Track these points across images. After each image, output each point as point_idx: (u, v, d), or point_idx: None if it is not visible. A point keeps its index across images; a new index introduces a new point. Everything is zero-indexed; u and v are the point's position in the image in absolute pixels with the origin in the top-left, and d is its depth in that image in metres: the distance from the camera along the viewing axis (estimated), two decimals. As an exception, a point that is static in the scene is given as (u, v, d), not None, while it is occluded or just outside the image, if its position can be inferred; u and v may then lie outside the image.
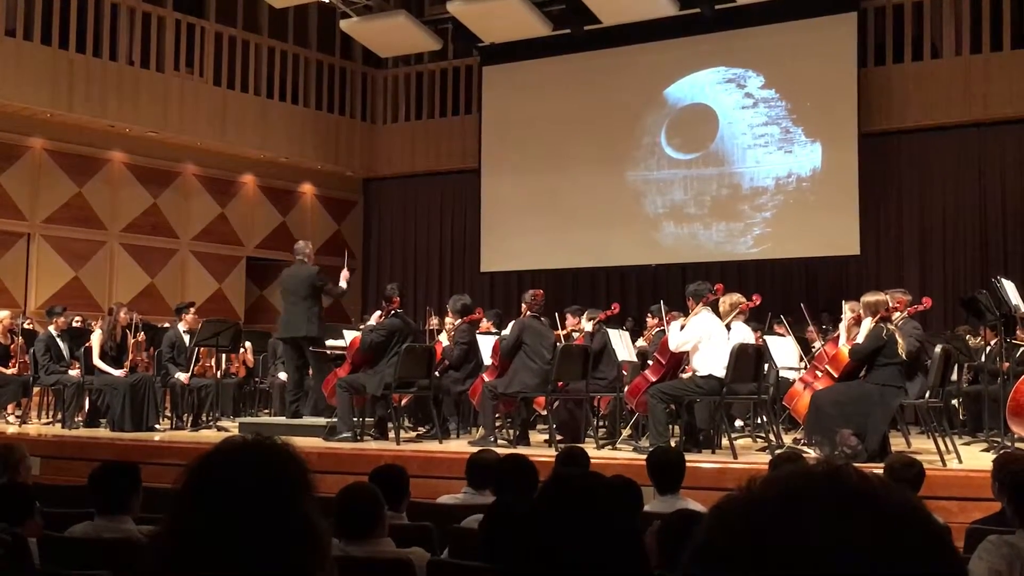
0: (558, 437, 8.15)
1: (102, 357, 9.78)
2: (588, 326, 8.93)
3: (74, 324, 11.17)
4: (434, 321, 11.48)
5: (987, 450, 7.50)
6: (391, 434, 8.64)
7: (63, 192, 13.50)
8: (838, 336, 7.93)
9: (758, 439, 8.70)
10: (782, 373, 9.06)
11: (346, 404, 8.45)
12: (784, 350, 9.24)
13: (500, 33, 13.82)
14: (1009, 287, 7.64)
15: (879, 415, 6.74)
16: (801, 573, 0.71)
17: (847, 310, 7.79)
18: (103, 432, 9.56)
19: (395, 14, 13.63)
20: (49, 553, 3.70)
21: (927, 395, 7.17)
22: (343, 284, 9.64)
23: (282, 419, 9.59)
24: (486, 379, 8.56)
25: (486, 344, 9.10)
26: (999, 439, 7.49)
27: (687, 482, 4.70)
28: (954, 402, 9.52)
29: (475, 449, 5.78)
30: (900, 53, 13.15)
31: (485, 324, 9.84)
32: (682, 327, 7.67)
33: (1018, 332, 8.88)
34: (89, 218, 13.76)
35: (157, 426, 9.77)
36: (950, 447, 6.90)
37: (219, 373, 10.48)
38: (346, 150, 16.22)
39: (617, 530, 1.51)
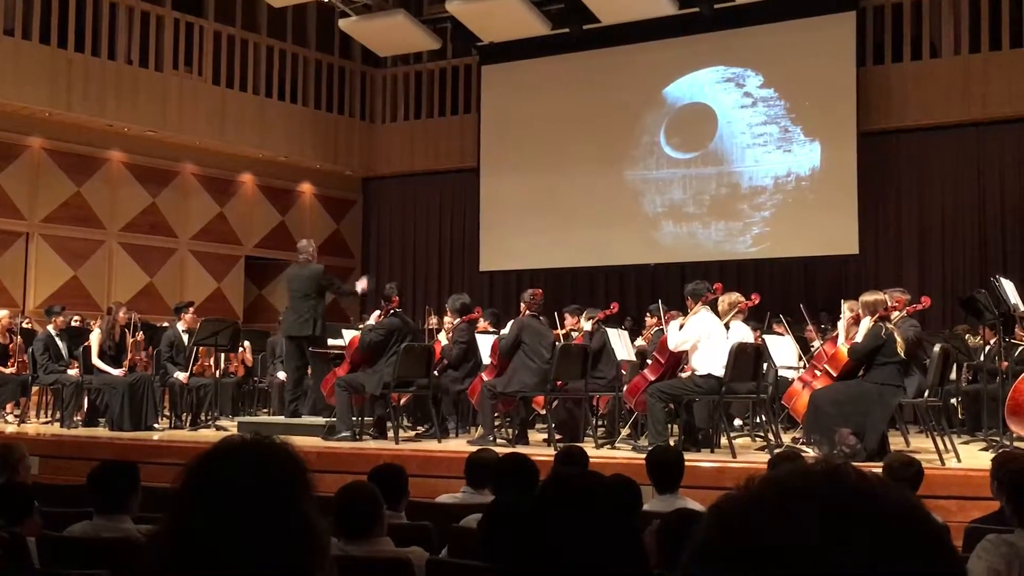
0: (557, 436, 8.15)
1: (101, 356, 9.78)
2: (587, 325, 8.93)
3: (73, 323, 11.17)
4: (433, 320, 11.48)
5: (986, 449, 7.50)
6: (390, 433, 8.64)
7: (62, 191, 13.50)
8: (837, 335, 7.94)
9: (757, 438, 8.70)
10: (781, 372, 9.06)
11: (345, 403, 8.45)
12: (783, 349, 9.25)
13: (499, 32, 13.82)
14: (1008, 286, 7.65)
15: (878, 414, 6.75)
16: (800, 572, 0.71)
17: (846, 309, 7.79)
18: (102, 431, 9.56)
19: (394, 13, 13.63)
20: (48, 552, 3.70)
21: (926, 394, 7.18)
22: (359, 287, 9.66)
23: (281, 418, 9.59)
24: (485, 378, 8.56)
25: (485, 343, 9.11)
26: (998, 438, 7.49)
27: (686, 481, 4.71)
28: (953, 401, 9.53)
29: (474, 448, 5.78)
30: (899, 52, 13.15)
31: (482, 324, 9.84)
32: (681, 326, 7.67)
33: (1017, 331, 8.89)
34: (88, 217, 13.75)
35: (156, 425, 9.77)
36: (949, 446, 6.90)
37: (218, 372, 10.47)
38: (345, 149, 16.22)
39: (616, 529, 1.51)
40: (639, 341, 10.32)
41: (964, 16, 12.71)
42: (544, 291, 9.31)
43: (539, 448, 7.83)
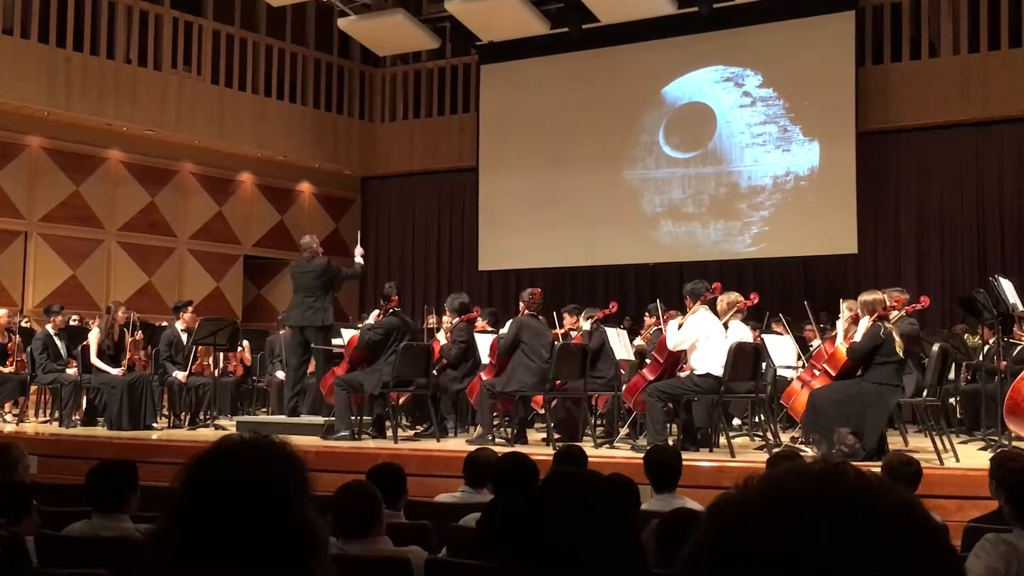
0: (556, 436, 8.16)
1: (99, 356, 9.77)
2: (586, 325, 8.93)
3: (71, 323, 11.17)
4: (432, 320, 11.48)
5: (984, 448, 7.51)
6: (389, 433, 8.64)
7: (60, 191, 13.49)
8: (836, 335, 7.94)
9: (756, 437, 8.70)
10: (780, 372, 9.07)
11: (344, 403, 8.45)
12: (782, 349, 9.25)
13: (498, 31, 13.82)
14: (1007, 286, 7.65)
15: (877, 414, 6.75)
16: (799, 572, 0.71)
17: (845, 309, 7.80)
18: (100, 431, 9.55)
19: (393, 12, 13.62)
20: (46, 552, 3.70)
21: (924, 394, 7.18)
22: (358, 259, 9.65)
23: (280, 417, 9.58)
24: (484, 378, 8.57)
25: (483, 343, 9.11)
26: (996, 437, 7.50)
27: (685, 481, 4.71)
28: (952, 401, 9.53)
29: (473, 448, 5.78)
30: (898, 52, 13.16)
31: (481, 323, 9.85)
32: (680, 326, 7.67)
33: (1015, 331, 8.89)
34: (87, 217, 13.75)
35: (155, 425, 9.76)
36: (947, 446, 6.90)
37: (217, 372, 10.47)
38: (344, 148, 16.22)
39: (615, 529, 1.51)
40: (638, 340, 10.32)
41: (963, 16, 12.71)
42: (543, 290, 9.31)
43: (538, 447, 7.82)
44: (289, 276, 9.82)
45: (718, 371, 7.36)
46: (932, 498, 5.34)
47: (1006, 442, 7.16)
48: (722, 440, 7.67)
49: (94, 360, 9.75)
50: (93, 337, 9.86)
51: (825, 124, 13.04)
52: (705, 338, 7.51)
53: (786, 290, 13.11)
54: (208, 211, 15.07)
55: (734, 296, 8.06)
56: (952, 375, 9.22)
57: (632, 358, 9.11)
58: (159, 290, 14.28)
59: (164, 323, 11.02)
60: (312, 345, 9.26)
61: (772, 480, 0.78)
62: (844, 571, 0.71)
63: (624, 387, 8.18)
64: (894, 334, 6.84)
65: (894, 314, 7.35)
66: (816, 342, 9.50)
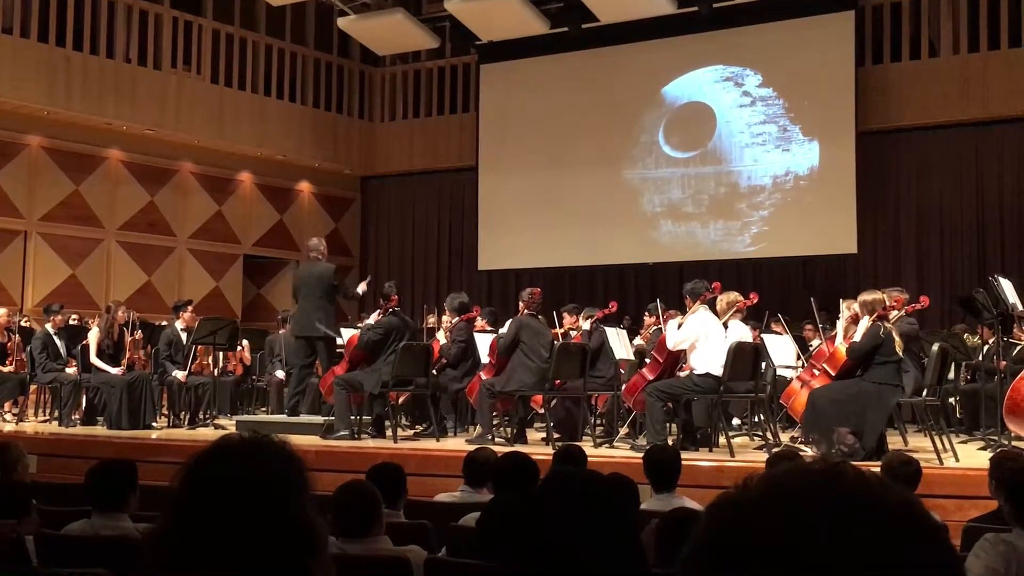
0: (555, 435, 8.16)
1: (99, 355, 9.77)
2: (585, 324, 8.93)
3: (71, 322, 11.17)
4: (431, 319, 11.47)
5: (984, 448, 7.51)
6: (388, 432, 8.64)
7: (60, 190, 13.49)
8: (835, 335, 7.94)
9: (755, 437, 8.71)
10: (779, 371, 9.07)
11: (343, 402, 8.46)
12: (781, 348, 9.26)
13: (498, 31, 13.81)
14: (1006, 285, 7.65)
15: (876, 413, 6.75)
16: (798, 572, 0.71)
17: (844, 308, 7.80)
18: (100, 430, 9.55)
19: (393, 12, 13.62)
20: (46, 551, 3.70)
21: (924, 393, 7.18)
22: (360, 289, 9.73)
23: (280, 417, 9.58)
24: (483, 377, 8.57)
25: (483, 342, 9.11)
26: (996, 437, 7.50)
27: (684, 480, 4.71)
28: (951, 400, 9.53)
29: (472, 447, 5.78)
30: (898, 51, 13.16)
31: (481, 322, 9.85)
32: (679, 325, 7.67)
33: (1015, 330, 8.89)
34: (86, 216, 13.74)
35: (154, 424, 9.76)
36: (947, 445, 6.90)
37: (216, 371, 10.47)
38: (344, 148, 16.22)
39: (614, 528, 1.51)
40: (637, 340, 10.32)
41: (963, 15, 12.71)
42: (542, 290, 9.31)
43: (537, 447, 7.82)
44: (289, 276, 9.85)
45: (718, 371, 7.36)
46: (932, 498, 5.34)
47: (1006, 442, 7.16)
48: (722, 440, 7.67)
49: (94, 359, 9.75)
50: (93, 336, 9.86)
51: (825, 124, 13.04)
52: (705, 338, 7.51)
53: (786, 290, 13.11)
54: (208, 210, 15.07)
55: (734, 296, 8.06)
56: (952, 375, 9.22)
57: (632, 358, 9.10)
58: (159, 289, 14.27)
59: (164, 322, 11.02)
60: (323, 348, 9.28)
61: (772, 480, 0.78)
62: (844, 571, 0.71)
63: (624, 387, 8.18)
64: (894, 334, 6.85)
65: (894, 314, 7.36)
66: (816, 341, 9.50)
